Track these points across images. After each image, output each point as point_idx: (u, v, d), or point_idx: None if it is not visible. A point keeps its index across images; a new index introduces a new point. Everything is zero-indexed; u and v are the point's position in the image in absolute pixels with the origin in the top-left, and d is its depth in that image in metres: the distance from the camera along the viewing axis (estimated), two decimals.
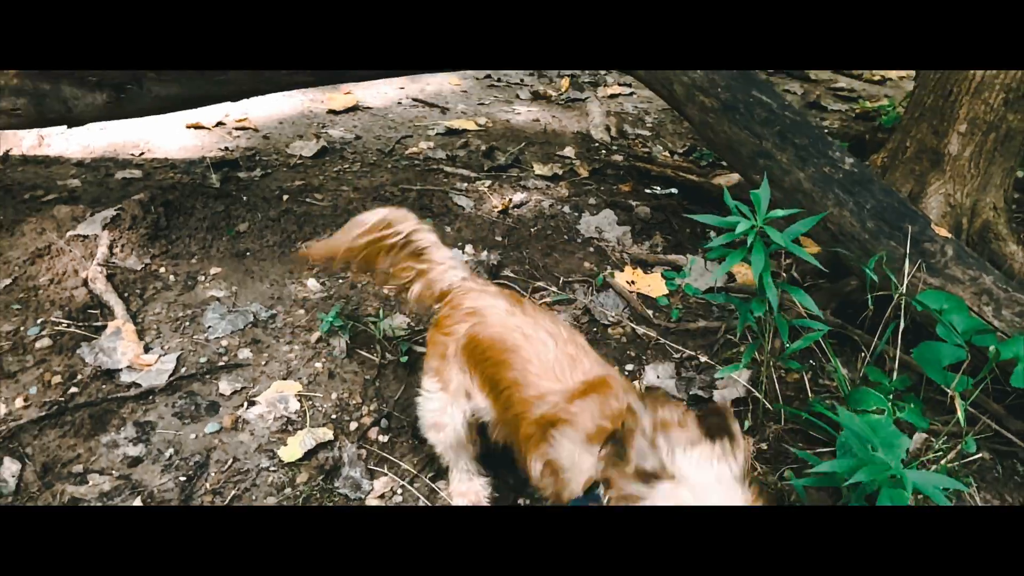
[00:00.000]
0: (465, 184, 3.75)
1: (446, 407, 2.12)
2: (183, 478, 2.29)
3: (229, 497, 2.24)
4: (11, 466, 2.26)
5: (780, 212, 2.03)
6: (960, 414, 2.01)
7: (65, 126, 3.30)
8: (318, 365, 2.68)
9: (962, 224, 3.04)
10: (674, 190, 3.74)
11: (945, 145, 3.03)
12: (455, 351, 2.06)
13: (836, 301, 2.93)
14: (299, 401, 2.54)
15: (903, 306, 2.41)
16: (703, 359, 2.78)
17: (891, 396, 2.15)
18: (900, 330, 2.39)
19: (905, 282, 2.43)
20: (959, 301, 2.33)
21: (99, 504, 2.19)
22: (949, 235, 2.58)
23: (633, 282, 3.06)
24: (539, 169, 3.97)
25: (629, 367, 2.75)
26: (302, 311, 2.91)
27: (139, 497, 2.21)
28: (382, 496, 2.30)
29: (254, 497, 2.26)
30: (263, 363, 2.68)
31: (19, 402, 2.46)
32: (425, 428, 2.21)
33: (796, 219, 2.14)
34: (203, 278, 3.03)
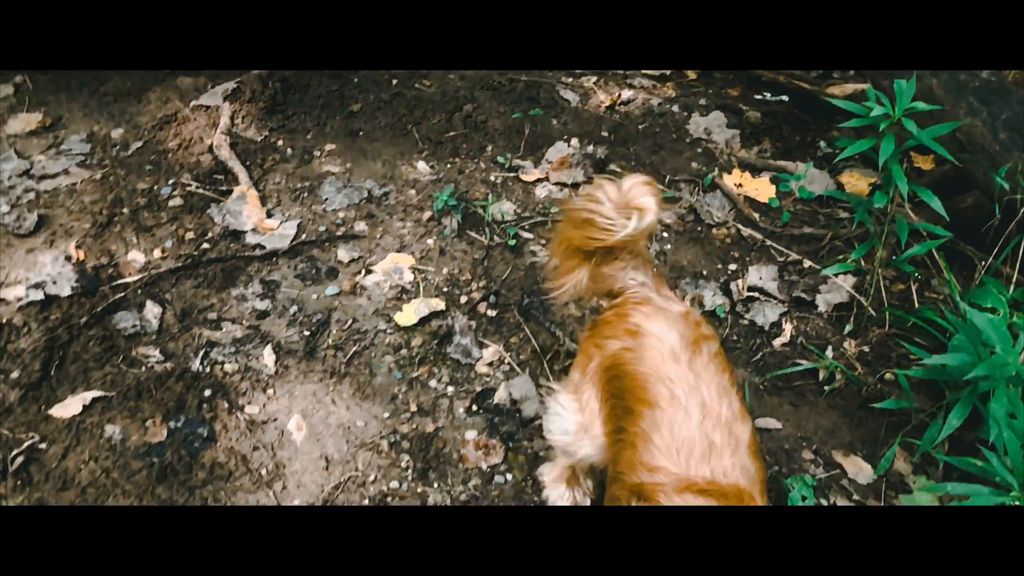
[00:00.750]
0: (571, 79, 3.73)
1: (577, 437, 1.85)
2: (307, 332, 2.45)
3: (350, 353, 2.40)
4: (153, 309, 2.45)
5: (922, 105, 2.00)
6: None
7: None
8: (430, 242, 2.78)
9: None
10: (785, 97, 3.64)
11: None
12: (596, 368, 1.78)
13: (950, 216, 2.87)
14: (412, 273, 2.66)
15: None
16: (807, 264, 2.79)
17: (1009, 305, 2.14)
18: (1023, 244, 2.35)
19: None
20: None
21: (232, 352, 2.37)
22: None
23: (741, 185, 3.05)
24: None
25: (732, 267, 2.78)
26: (413, 191, 3.00)
27: (269, 346, 2.39)
28: (490, 364, 2.42)
29: (372, 355, 2.41)
30: (378, 236, 2.80)
31: (157, 253, 2.64)
32: (553, 442, 1.96)
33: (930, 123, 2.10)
34: (319, 153, 3.13)
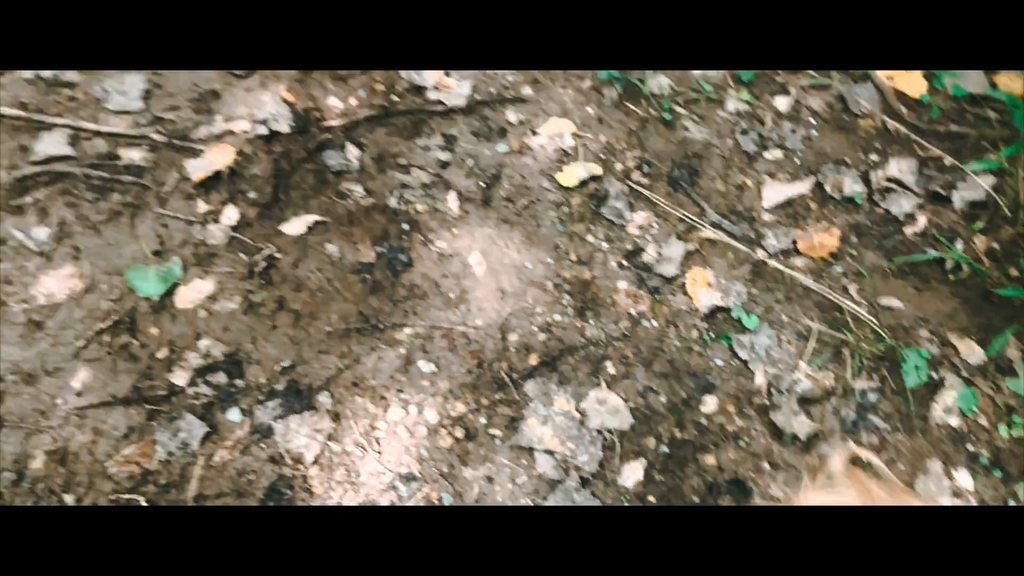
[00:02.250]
0: None
1: None
2: (482, 184, 2.80)
3: (519, 205, 2.74)
4: (353, 150, 2.84)
5: None
6: None
7: None
8: (590, 110, 3.04)
9: None
10: None
11: None
12: None
13: None
14: (573, 138, 2.94)
15: None
16: (948, 161, 2.92)
17: None
18: None
19: None
20: None
21: (421, 195, 2.74)
22: None
23: (892, 78, 3.14)
24: None
25: (874, 157, 2.94)
26: None
27: (453, 192, 2.75)
28: (640, 227, 2.73)
29: (538, 209, 2.74)
30: (542, 101, 3.06)
31: (352, 101, 2.99)
32: None
33: None
34: None
